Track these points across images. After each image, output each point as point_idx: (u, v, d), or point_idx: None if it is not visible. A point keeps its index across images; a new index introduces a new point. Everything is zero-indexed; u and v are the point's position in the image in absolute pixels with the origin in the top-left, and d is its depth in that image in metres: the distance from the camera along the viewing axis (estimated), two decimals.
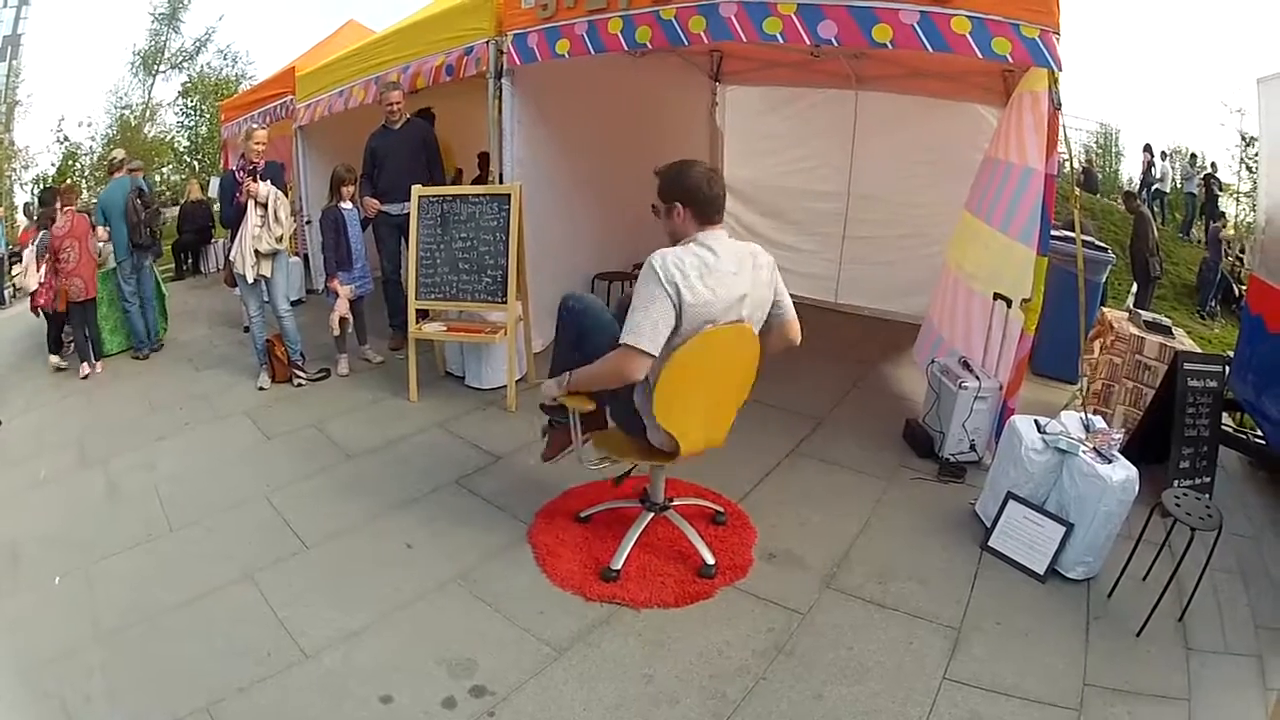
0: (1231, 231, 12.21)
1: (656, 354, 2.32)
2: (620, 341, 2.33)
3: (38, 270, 5.69)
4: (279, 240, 4.76)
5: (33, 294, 5.76)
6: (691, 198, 2.42)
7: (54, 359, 5.94)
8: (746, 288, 2.44)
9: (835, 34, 3.30)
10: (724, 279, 2.38)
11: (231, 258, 4.77)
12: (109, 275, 6.17)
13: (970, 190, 4.59)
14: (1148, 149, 15.58)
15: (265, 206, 4.69)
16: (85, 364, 5.74)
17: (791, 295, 2.67)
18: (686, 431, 2.51)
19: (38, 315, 5.97)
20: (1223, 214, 13.35)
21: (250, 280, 4.74)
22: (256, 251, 4.68)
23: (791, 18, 3.36)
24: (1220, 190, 13.63)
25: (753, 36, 3.51)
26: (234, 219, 4.77)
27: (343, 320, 5.00)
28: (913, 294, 5.86)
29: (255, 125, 5.01)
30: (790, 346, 2.68)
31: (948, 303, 4.55)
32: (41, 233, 5.80)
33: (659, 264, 2.32)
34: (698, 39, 3.68)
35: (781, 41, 3.48)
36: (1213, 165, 14.43)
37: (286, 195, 4.95)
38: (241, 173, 4.71)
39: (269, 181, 4.73)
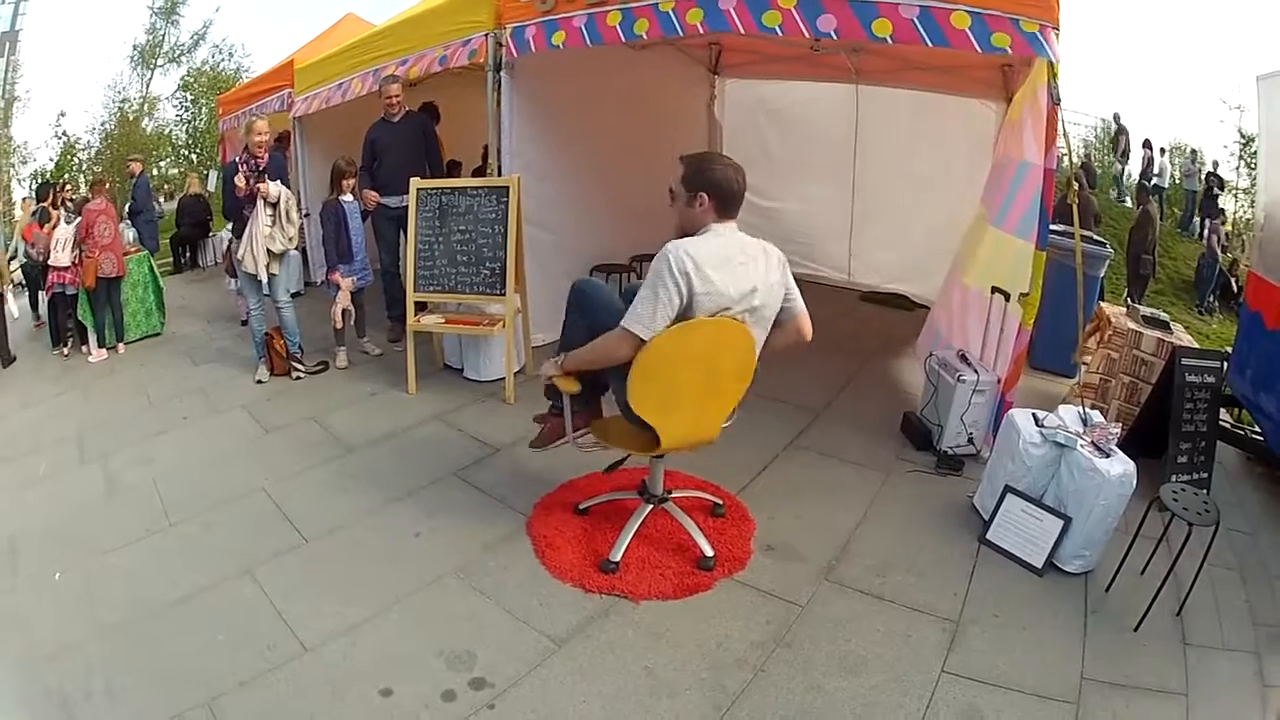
0: (1230, 227, 12.20)
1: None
2: (621, 325, 2.36)
3: (72, 250, 5.79)
4: (290, 240, 4.77)
5: (59, 270, 5.84)
6: (718, 190, 2.43)
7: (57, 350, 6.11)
8: (758, 280, 2.45)
9: (835, 28, 3.29)
10: (736, 270, 2.41)
11: (239, 257, 4.76)
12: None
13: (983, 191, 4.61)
14: (1147, 144, 15.54)
15: (276, 206, 4.67)
16: (96, 349, 5.82)
17: (801, 275, 2.67)
18: (664, 423, 2.50)
19: (47, 296, 6.12)
20: (1221, 211, 13.35)
21: (264, 280, 4.74)
22: (269, 251, 4.68)
23: (791, 11, 3.35)
24: (1220, 190, 13.62)
25: (751, 28, 3.49)
26: (234, 210, 4.75)
27: (345, 312, 5.00)
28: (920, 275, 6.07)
29: (255, 117, 4.97)
30: (801, 342, 2.65)
31: (946, 298, 4.56)
32: (75, 218, 5.90)
33: (672, 254, 2.33)
34: (694, 29, 3.66)
35: (780, 34, 3.47)
36: (1214, 164, 14.43)
37: (289, 186, 4.94)
38: (245, 166, 4.66)
39: (278, 181, 4.70)
